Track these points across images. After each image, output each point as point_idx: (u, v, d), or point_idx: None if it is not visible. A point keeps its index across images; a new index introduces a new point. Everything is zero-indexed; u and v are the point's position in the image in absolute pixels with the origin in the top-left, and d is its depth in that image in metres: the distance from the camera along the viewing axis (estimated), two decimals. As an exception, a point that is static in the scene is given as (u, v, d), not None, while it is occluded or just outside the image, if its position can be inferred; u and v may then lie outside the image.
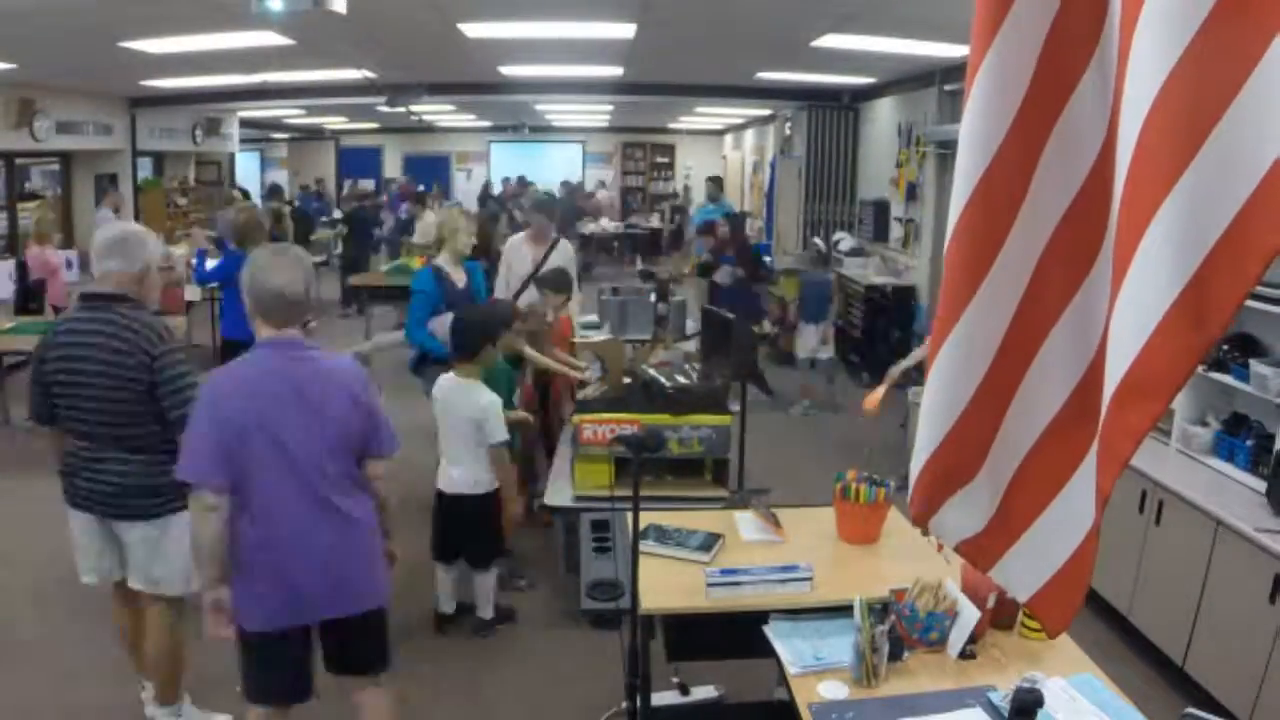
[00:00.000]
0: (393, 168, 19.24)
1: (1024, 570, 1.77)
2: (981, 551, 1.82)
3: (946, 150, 7.89)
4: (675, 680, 3.48)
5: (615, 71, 9.11)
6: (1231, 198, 1.31)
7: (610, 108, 14.78)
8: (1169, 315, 1.39)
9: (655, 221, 18.74)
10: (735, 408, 4.32)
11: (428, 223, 10.16)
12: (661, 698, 3.37)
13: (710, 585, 2.58)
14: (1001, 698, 2.06)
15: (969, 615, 2.34)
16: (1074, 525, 1.68)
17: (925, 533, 1.92)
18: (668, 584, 2.70)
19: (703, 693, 3.48)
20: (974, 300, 1.66)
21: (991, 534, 1.79)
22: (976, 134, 1.63)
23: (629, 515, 2.61)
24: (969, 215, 1.66)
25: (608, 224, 16.92)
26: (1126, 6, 1.43)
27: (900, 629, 2.35)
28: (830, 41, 6.80)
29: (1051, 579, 1.73)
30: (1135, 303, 1.43)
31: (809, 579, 2.62)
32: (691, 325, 6.87)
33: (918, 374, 6.90)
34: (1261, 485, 3.54)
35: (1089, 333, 1.61)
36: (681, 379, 4.35)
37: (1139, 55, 1.39)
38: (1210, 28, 1.30)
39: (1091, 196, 1.57)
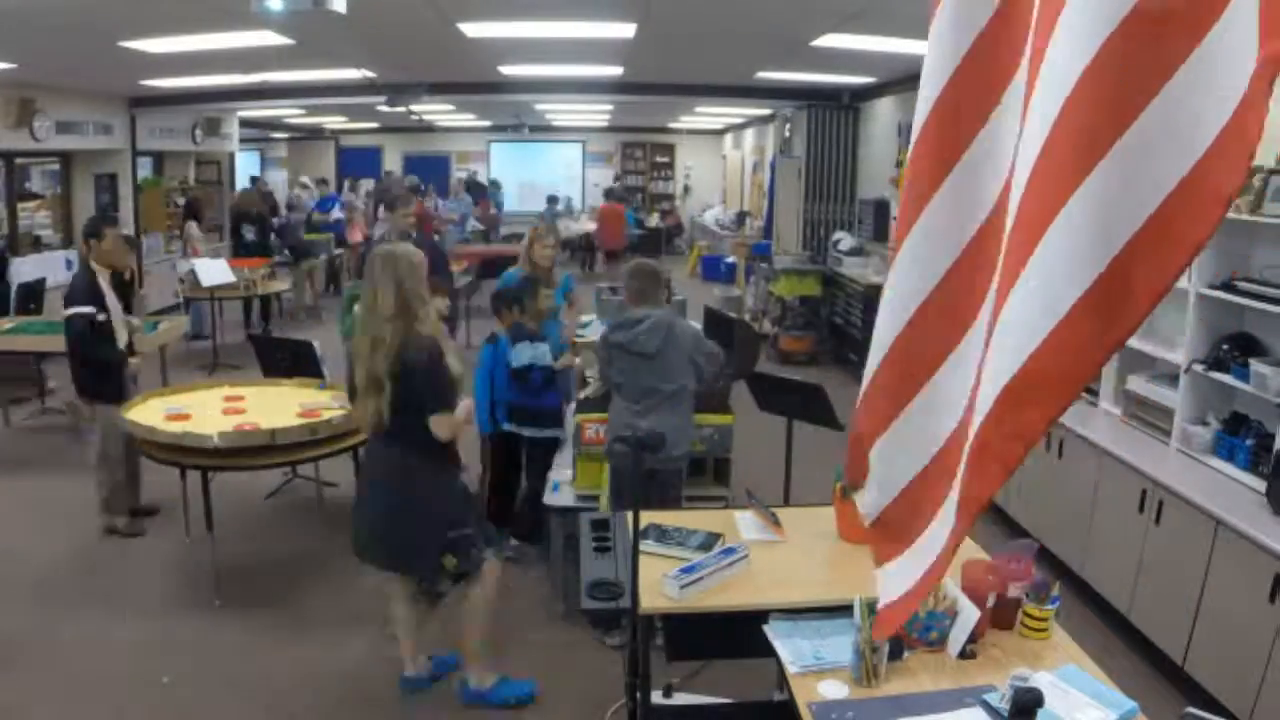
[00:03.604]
0: (392, 167, 19.23)
1: (893, 581, 1.77)
2: (876, 543, 1.84)
3: (946, 150, 7.87)
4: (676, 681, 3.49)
5: (615, 71, 9.11)
6: (1154, 189, 1.27)
7: (610, 108, 14.77)
8: (1075, 310, 1.32)
9: (655, 221, 18.77)
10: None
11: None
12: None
13: (683, 587, 2.59)
14: (1000, 698, 2.06)
15: (969, 615, 2.34)
16: (930, 550, 1.67)
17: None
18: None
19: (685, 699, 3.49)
20: (885, 292, 1.72)
21: (885, 531, 1.80)
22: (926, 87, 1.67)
23: (629, 515, 2.61)
24: (908, 173, 1.73)
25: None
26: (1043, 14, 1.41)
27: (900, 629, 2.35)
28: (830, 41, 6.79)
29: (902, 596, 1.73)
30: (1034, 299, 1.37)
31: (745, 557, 2.77)
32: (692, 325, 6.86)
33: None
34: (1261, 485, 3.54)
35: (972, 370, 1.58)
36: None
37: (1057, 48, 1.36)
38: (1135, 21, 1.27)
39: (993, 231, 1.58)
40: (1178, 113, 1.24)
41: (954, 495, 1.59)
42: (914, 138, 1.66)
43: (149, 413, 4.47)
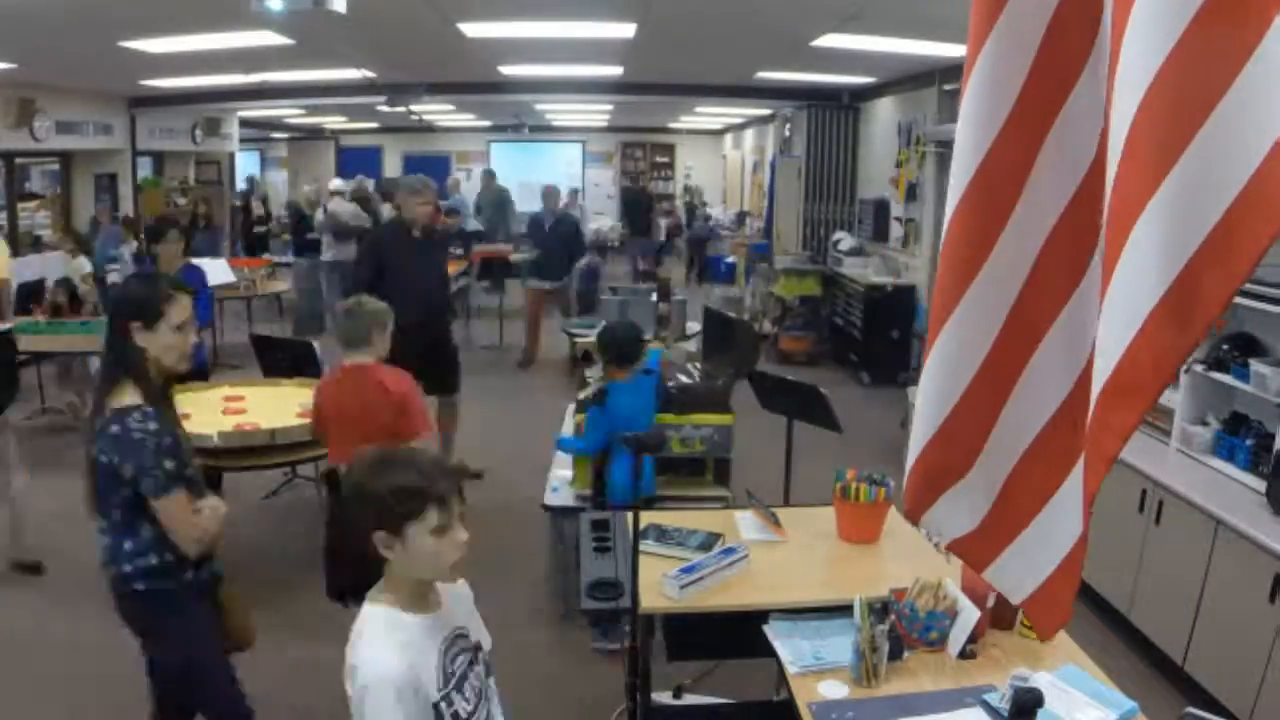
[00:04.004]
0: (393, 168, 19.24)
1: (1018, 573, 1.77)
2: (975, 551, 1.82)
3: (946, 150, 7.89)
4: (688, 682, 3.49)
5: (615, 71, 9.11)
6: (1217, 198, 1.31)
7: (610, 107, 14.77)
8: (1154, 315, 1.38)
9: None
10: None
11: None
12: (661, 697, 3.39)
13: (683, 587, 2.59)
14: (1000, 698, 2.06)
15: (969, 615, 2.34)
16: (1065, 530, 1.68)
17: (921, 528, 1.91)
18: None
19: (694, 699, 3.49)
20: (967, 295, 1.65)
21: (985, 534, 1.79)
22: (971, 130, 1.62)
23: (629, 515, 2.62)
24: (963, 210, 1.65)
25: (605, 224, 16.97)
26: (1118, 7, 1.43)
27: (900, 629, 2.35)
28: (830, 41, 6.79)
29: (1044, 583, 1.73)
30: (1121, 303, 1.43)
31: (745, 557, 2.78)
32: (692, 325, 6.88)
33: (917, 374, 6.89)
34: (1261, 485, 3.54)
35: (1084, 335, 1.59)
36: (684, 378, 4.35)
37: (1128, 58, 1.39)
38: (1196, 29, 1.30)
39: (1089, 198, 1.57)
40: (1238, 121, 1.27)
41: (1075, 474, 1.60)
42: (988, 146, 1.60)
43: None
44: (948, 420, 1.72)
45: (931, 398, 1.73)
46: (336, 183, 12.40)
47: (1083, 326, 1.58)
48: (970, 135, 1.61)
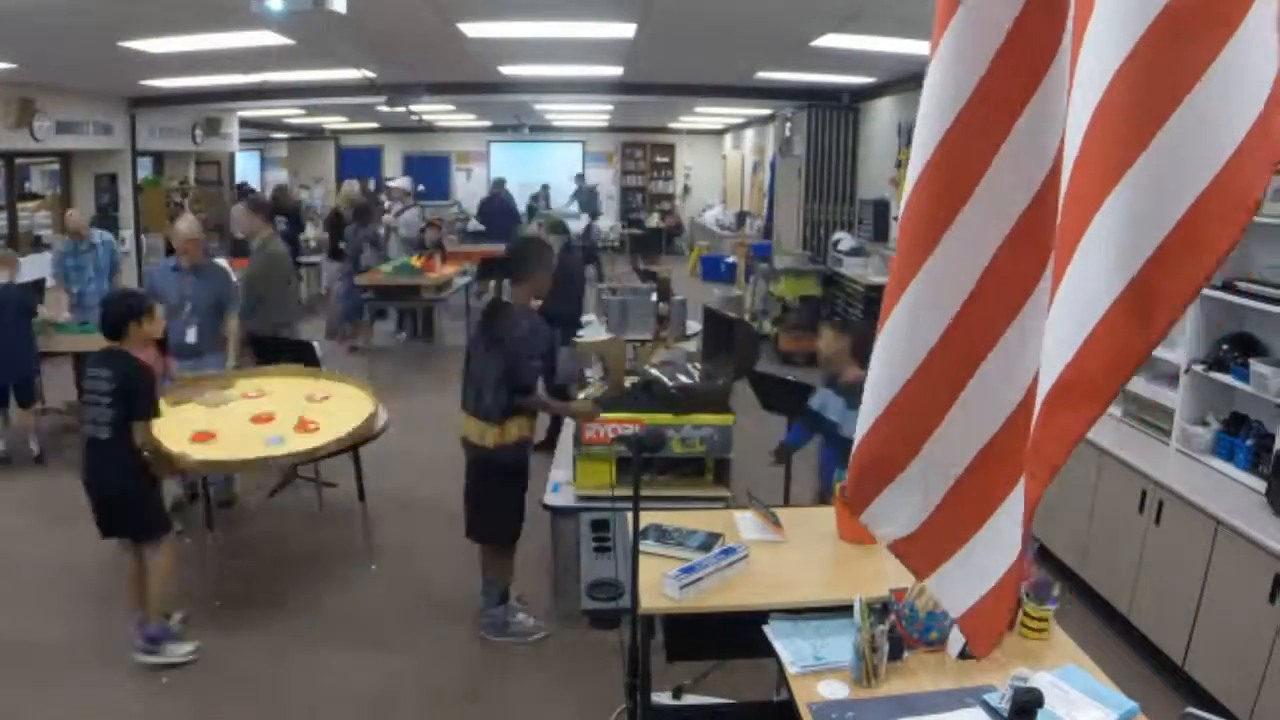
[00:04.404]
0: (393, 168, 19.23)
1: (960, 584, 1.71)
2: (917, 556, 1.76)
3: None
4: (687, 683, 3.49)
5: (615, 71, 9.11)
6: (1180, 196, 1.26)
7: (610, 107, 14.77)
8: (1111, 313, 1.32)
9: (656, 221, 18.80)
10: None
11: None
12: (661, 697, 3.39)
13: (683, 587, 2.60)
14: (1000, 698, 2.07)
15: (969, 615, 2.34)
16: (1009, 543, 1.62)
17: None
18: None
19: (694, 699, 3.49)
20: (913, 284, 1.60)
21: (929, 539, 1.72)
22: (932, 108, 1.59)
23: (629, 515, 2.62)
24: (919, 190, 1.60)
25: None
26: (1080, 2, 1.40)
27: (900, 629, 2.35)
28: (830, 41, 6.79)
29: (984, 597, 1.67)
30: (1075, 301, 1.37)
31: (745, 557, 2.80)
32: (693, 325, 6.88)
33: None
34: (1261, 485, 3.54)
35: (1036, 340, 1.54)
36: (684, 378, 4.35)
37: (1088, 54, 1.36)
38: (1161, 24, 1.26)
39: (1050, 197, 1.51)
40: (1206, 115, 1.24)
41: (1019, 490, 1.57)
42: (941, 136, 1.58)
43: (171, 430, 4.06)
44: (886, 412, 1.67)
45: (877, 381, 1.68)
46: (405, 183, 12.16)
47: (1040, 330, 1.54)
48: (932, 112, 1.58)
